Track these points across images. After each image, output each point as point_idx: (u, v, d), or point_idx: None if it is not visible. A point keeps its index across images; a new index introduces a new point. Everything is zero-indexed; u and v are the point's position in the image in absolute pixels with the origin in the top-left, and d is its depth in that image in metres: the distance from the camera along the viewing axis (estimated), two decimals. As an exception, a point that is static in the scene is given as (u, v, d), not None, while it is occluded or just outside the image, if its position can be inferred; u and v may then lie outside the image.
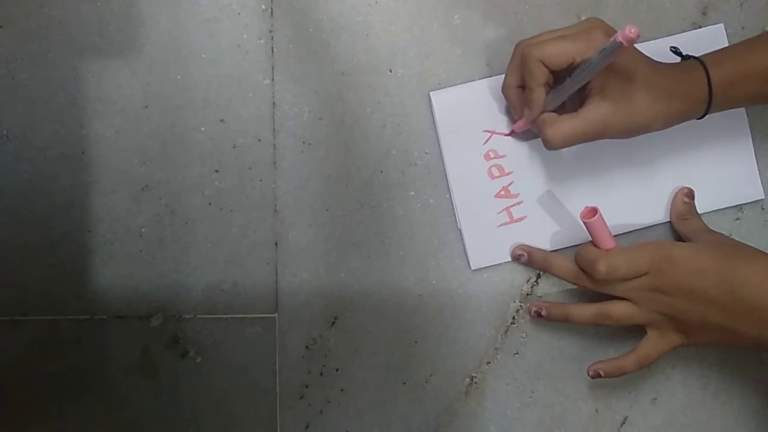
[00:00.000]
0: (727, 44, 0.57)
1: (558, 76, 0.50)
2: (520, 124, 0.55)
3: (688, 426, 0.58)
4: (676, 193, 0.57)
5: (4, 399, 0.57)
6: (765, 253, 0.50)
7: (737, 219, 0.58)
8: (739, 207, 0.58)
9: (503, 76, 0.54)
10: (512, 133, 0.57)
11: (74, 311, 0.57)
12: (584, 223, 0.51)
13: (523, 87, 0.52)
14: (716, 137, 0.57)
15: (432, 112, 0.57)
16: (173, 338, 0.57)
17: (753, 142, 0.57)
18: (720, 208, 0.58)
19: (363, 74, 0.57)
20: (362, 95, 0.57)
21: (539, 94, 0.50)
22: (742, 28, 0.58)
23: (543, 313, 0.55)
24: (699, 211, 0.57)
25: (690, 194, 0.56)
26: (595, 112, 0.49)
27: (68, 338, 0.57)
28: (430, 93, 0.57)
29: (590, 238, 0.52)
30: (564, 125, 0.49)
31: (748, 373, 0.58)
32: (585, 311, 0.53)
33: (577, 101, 0.50)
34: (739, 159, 0.57)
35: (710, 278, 0.49)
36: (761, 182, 0.58)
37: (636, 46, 0.56)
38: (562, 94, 0.50)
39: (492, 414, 0.58)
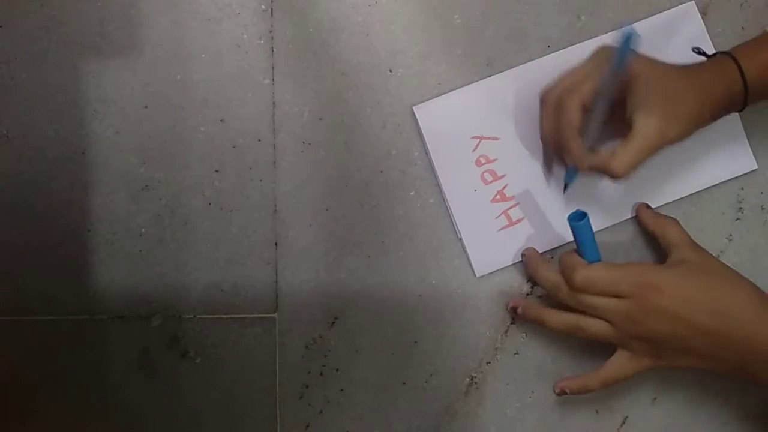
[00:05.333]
0: (701, 22, 0.57)
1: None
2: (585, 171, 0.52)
3: (688, 426, 0.58)
4: (638, 209, 0.56)
5: (4, 399, 0.57)
6: (747, 281, 0.50)
7: (737, 219, 0.58)
8: (739, 207, 0.58)
9: (486, 80, 0.55)
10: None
11: (74, 311, 0.57)
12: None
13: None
14: None
15: (417, 126, 0.57)
16: (173, 338, 0.57)
17: (739, 114, 0.57)
18: (716, 183, 0.57)
19: (363, 74, 0.57)
20: (362, 95, 0.57)
21: (578, 140, 0.50)
22: (742, 28, 0.58)
23: (519, 310, 0.55)
24: (696, 190, 0.57)
25: (648, 206, 0.56)
26: (647, 128, 0.48)
27: (68, 338, 0.57)
28: (413, 107, 0.56)
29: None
30: (624, 154, 0.49)
31: (748, 373, 0.58)
32: (560, 318, 0.53)
33: (618, 130, 0.50)
34: (727, 133, 0.57)
35: (696, 307, 0.49)
36: (753, 154, 0.58)
37: (612, 33, 0.57)
38: (596, 125, 0.50)
39: (492, 414, 0.58)
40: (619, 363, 0.52)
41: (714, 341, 0.49)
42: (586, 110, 0.49)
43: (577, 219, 0.50)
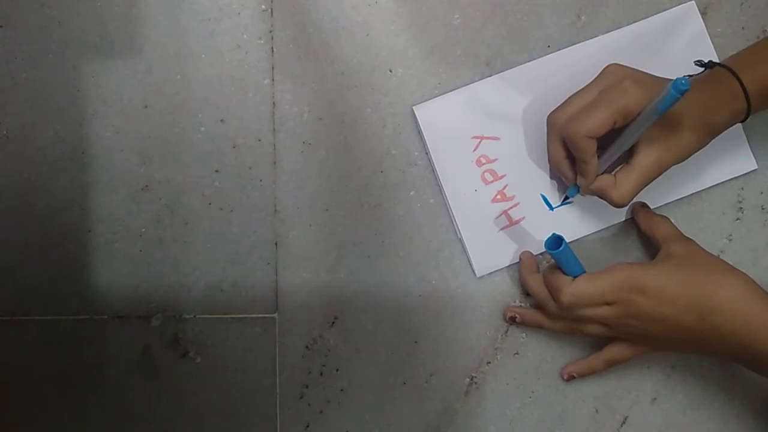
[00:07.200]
0: (701, 22, 0.57)
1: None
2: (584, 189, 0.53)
3: (688, 426, 0.58)
4: (634, 209, 0.57)
5: (4, 399, 0.57)
6: (736, 271, 0.50)
7: (737, 219, 0.58)
8: (740, 207, 0.58)
9: (486, 80, 0.56)
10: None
11: (74, 311, 0.57)
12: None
13: (568, 156, 0.53)
14: None
15: (417, 126, 0.57)
16: (173, 338, 0.57)
17: None
18: (717, 183, 0.57)
19: (363, 74, 0.57)
20: (362, 95, 0.57)
21: (593, 164, 0.51)
22: (742, 28, 0.58)
23: (518, 319, 0.56)
24: (696, 190, 0.57)
25: (645, 205, 0.57)
26: (648, 158, 0.49)
27: (68, 338, 0.57)
28: (414, 108, 0.56)
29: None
30: (625, 183, 0.50)
31: (748, 373, 0.58)
32: (557, 323, 0.54)
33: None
34: (727, 133, 0.56)
35: (682, 306, 0.49)
36: (753, 154, 0.58)
37: (612, 33, 0.57)
38: (613, 156, 0.51)
39: (492, 414, 0.58)
40: (619, 348, 0.54)
41: (703, 338, 0.49)
42: (593, 139, 0.49)
43: (554, 245, 0.50)
